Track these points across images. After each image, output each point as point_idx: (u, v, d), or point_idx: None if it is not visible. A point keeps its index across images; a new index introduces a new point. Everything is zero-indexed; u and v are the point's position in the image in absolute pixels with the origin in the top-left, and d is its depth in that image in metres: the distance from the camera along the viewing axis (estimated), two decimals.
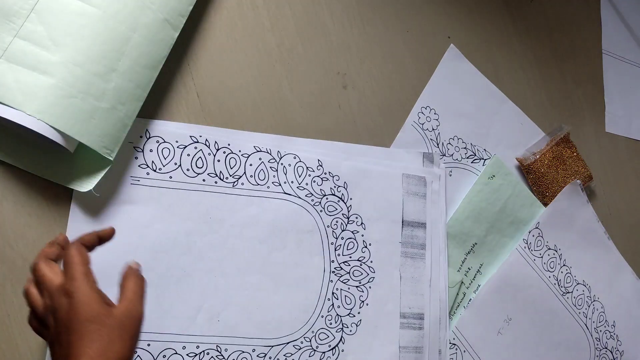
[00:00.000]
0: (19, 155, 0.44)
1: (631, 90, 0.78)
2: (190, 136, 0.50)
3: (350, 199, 0.55)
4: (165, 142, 0.49)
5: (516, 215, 0.63)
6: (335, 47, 0.58)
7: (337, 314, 0.52)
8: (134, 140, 0.48)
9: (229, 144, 0.51)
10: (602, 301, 0.67)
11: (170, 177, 0.49)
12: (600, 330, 0.66)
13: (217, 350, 0.48)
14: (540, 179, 0.66)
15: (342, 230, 0.54)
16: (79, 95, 0.42)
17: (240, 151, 0.51)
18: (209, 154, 0.50)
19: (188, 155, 0.49)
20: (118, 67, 0.44)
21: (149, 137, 0.48)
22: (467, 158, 0.62)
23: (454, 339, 0.57)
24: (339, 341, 0.52)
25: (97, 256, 0.45)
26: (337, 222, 0.54)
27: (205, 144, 0.50)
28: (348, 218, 0.54)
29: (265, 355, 0.49)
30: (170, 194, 0.48)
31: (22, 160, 0.44)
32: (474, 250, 0.60)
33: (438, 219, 0.58)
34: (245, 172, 0.51)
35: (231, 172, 0.51)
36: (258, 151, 0.52)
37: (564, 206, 0.66)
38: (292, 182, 0.53)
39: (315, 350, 0.51)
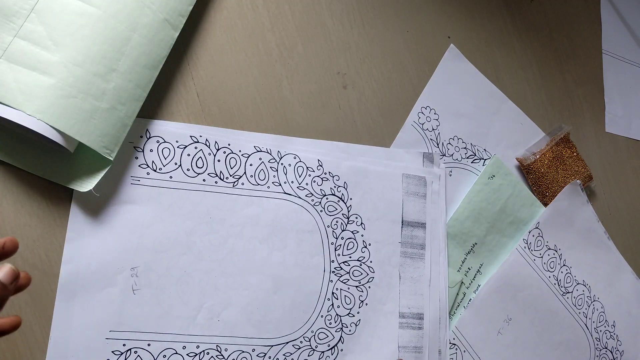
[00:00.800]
0: (19, 155, 0.44)
1: (631, 90, 0.78)
2: (191, 136, 0.50)
3: (350, 199, 0.55)
4: (165, 142, 0.49)
5: (516, 215, 0.63)
6: (335, 47, 0.58)
7: (337, 314, 0.52)
8: (134, 140, 0.48)
9: (229, 144, 0.51)
10: (602, 301, 0.67)
11: (171, 177, 0.49)
12: (600, 330, 0.66)
13: (217, 350, 0.48)
14: (540, 179, 0.66)
15: (342, 230, 0.54)
16: (79, 95, 0.42)
17: (240, 151, 0.51)
18: (209, 154, 0.50)
19: (188, 155, 0.49)
20: (118, 67, 0.44)
21: (149, 137, 0.49)
22: (467, 158, 0.62)
23: (454, 339, 0.57)
24: (338, 341, 0.52)
25: (96, 256, 0.45)
26: (337, 222, 0.54)
27: (206, 144, 0.50)
28: (348, 218, 0.54)
29: (265, 355, 0.49)
30: (170, 193, 0.48)
31: (22, 160, 0.44)
32: (474, 250, 0.60)
33: (438, 219, 0.58)
34: (245, 172, 0.51)
35: (231, 172, 0.51)
36: (258, 151, 0.52)
37: (564, 206, 0.66)
38: (292, 182, 0.53)
39: (314, 350, 0.51)
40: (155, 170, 0.48)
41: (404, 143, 0.59)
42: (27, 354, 0.43)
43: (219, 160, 0.50)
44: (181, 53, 0.51)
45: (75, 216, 0.45)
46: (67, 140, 0.42)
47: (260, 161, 0.52)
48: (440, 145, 0.61)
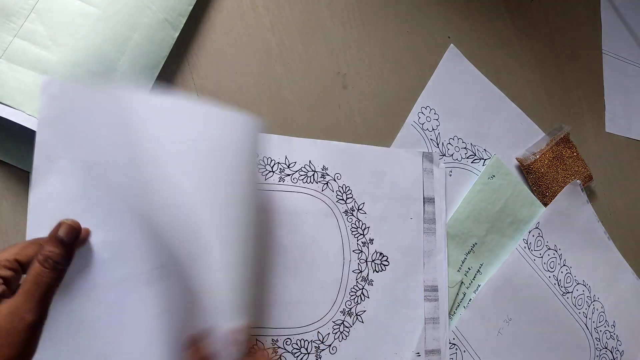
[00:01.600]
0: (19, 155, 0.44)
1: (631, 90, 0.78)
2: None
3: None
4: None
5: (516, 215, 0.63)
6: (335, 47, 0.58)
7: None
8: None
9: None
10: (602, 301, 0.67)
11: None
12: (600, 330, 0.66)
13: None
14: (540, 179, 0.66)
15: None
16: None
17: None
18: None
19: None
20: (118, 67, 0.44)
21: None
22: (467, 158, 0.62)
23: (453, 338, 0.57)
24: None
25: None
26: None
27: None
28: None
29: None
30: None
31: (22, 160, 0.44)
32: (474, 250, 0.60)
33: (438, 219, 0.58)
34: None
35: None
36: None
37: (564, 206, 0.66)
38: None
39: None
40: None
41: (404, 143, 0.59)
42: None
43: None
44: (181, 53, 0.51)
45: None
46: None
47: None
48: (440, 145, 0.61)
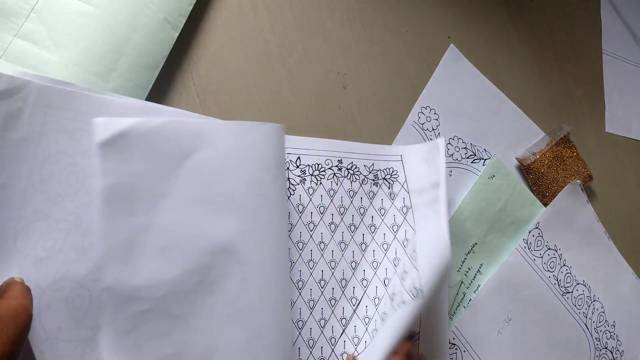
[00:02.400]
0: None
1: (631, 90, 0.78)
2: None
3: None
4: None
5: (516, 215, 0.63)
6: (335, 47, 0.58)
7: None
8: None
9: None
10: (602, 301, 0.67)
11: None
12: (600, 330, 0.66)
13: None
14: (540, 179, 0.66)
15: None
16: None
17: None
18: None
19: None
20: (118, 67, 0.44)
21: None
22: (467, 158, 0.62)
23: (453, 338, 0.57)
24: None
25: None
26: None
27: None
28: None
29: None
30: None
31: None
32: (474, 250, 0.60)
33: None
34: None
35: None
36: None
37: (564, 206, 0.66)
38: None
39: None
40: None
41: (404, 143, 0.59)
42: None
43: None
44: (181, 53, 0.51)
45: None
46: None
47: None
48: None
